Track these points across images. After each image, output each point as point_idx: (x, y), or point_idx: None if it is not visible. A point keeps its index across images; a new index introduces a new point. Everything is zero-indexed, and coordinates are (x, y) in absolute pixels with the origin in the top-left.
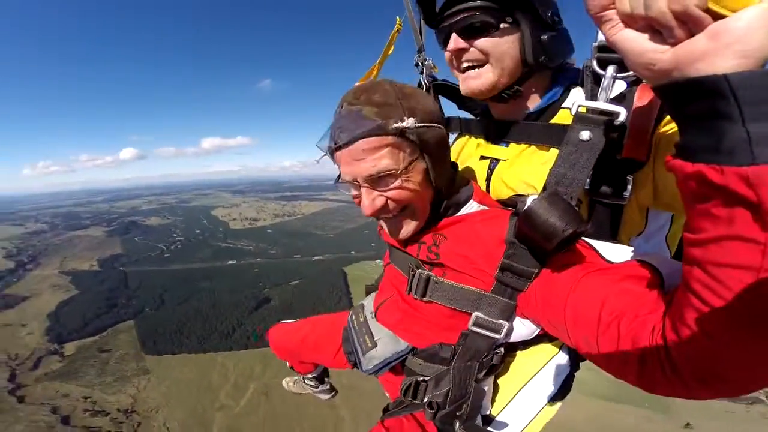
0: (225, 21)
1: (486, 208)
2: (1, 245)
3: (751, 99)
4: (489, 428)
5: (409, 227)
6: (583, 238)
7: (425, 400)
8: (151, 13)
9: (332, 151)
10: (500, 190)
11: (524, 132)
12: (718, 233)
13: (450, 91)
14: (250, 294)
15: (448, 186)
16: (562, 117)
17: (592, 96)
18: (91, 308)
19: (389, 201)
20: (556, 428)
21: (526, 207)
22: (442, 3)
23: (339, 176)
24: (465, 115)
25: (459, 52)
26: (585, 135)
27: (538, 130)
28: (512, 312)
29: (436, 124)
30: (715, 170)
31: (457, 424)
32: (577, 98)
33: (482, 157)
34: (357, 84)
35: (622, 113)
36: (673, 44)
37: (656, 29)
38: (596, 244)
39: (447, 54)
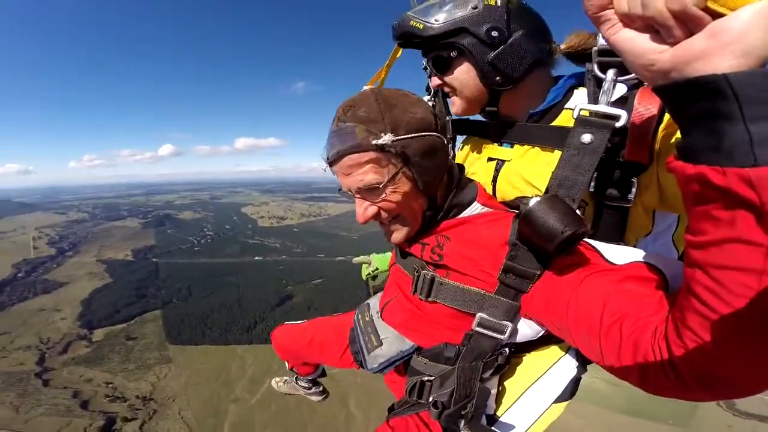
0: (265, 22)
1: (490, 210)
2: (45, 232)
3: (752, 99)
4: (493, 428)
5: (400, 234)
6: (586, 240)
7: (430, 399)
8: (191, 13)
9: (328, 164)
10: (506, 191)
11: (527, 133)
12: (720, 236)
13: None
14: (274, 290)
15: (446, 189)
16: (565, 118)
17: (594, 99)
18: (123, 297)
19: (381, 210)
20: None
21: (526, 209)
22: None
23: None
24: (475, 116)
25: (438, 87)
26: (586, 138)
27: (540, 132)
28: (516, 313)
29: (423, 134)
30: (717, 172)
31: (462, 423)
32: (579, 100)
33: (489, 159)
34: (349, 97)
35: (623, 116)
36: (672, 44)
37: (655, 29)
38: (599, 246)
39: None
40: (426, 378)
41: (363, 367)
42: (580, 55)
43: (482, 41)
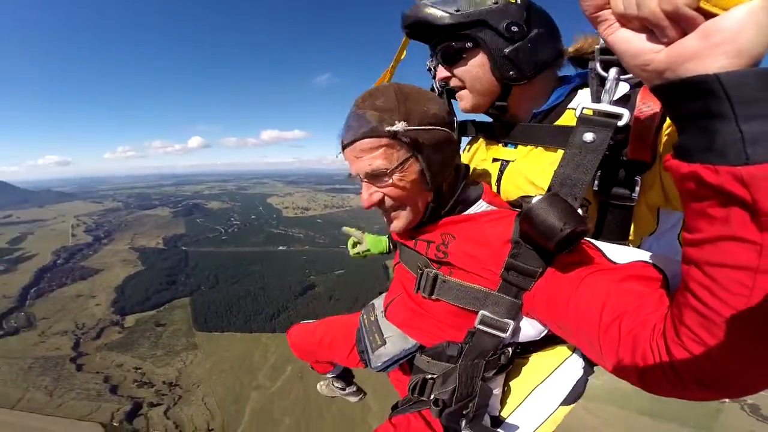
0: (292, 15)
1: (495, 208)
2: (82, 220)
3: (744, 98)
4: (498, 430)
5: (400, 222)
6: (589, 239)
7: (431, 397)
8: (222, 9)
9: (342, 148)
10: (510, 191)
11: (530, 134)
12: (714, 233)
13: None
14: (297, 280)
15: (452, 185)
16: (568, 118)
17: (597, 98)
18: (154, 284)
19: (385, 197)
20: None
21: (527, 207)
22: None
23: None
24: (482, 117)
25: (444, 80)
26: (589, 137)
27: (544, 132)
28: (518, 311)
29: (435, 127)
30: (710, 170)
31: (464, 422)
32: (582, 100)
33: (494, 159)
34: (369, 88)
35: (625, 115)
36: (667, 44)
37: (651, 29)
38: (601, 245)
39: None
40: (429, 376)
41: (368, 366)
42: (582, 59)
43: (501, 35)
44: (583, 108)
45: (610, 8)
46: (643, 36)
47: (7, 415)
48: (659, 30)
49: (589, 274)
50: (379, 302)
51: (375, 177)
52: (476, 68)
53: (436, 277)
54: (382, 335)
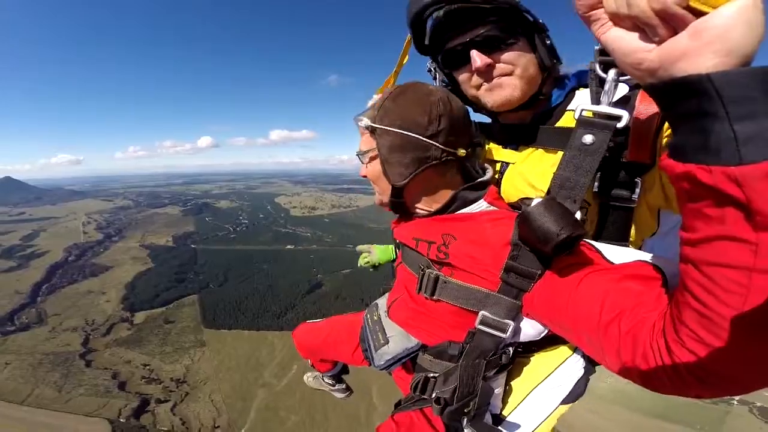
0: (300, 17)
1: (495, 209)
2: (93, 218)
3: (736, 98)
4: (499, 428)
5: (376, 198)
6: (588, 241)
7: (433, 395)
8: (230, 9)
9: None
10: (510, 192)
11: (531, 136)
12: (710, 233)
13: (465, 96)
14: (305, 278)
15: (418, 191)
16: (568, 120)
17: (596, 99)
18: (163, 281)
19: (366, 174)
20: None
21: (524, 211)
22: (439, 25)
23: None
24: (482, 119)
25: (488, 68)
26: (588, 139)
27: (544, 134)
28: (518, 312)
29: (400, 131)
30: (704, 170)
31: (465, 420)
32: (581, 101)
33: (494, 161)
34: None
35: (624, 116)
36: (659, 42)
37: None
38: (600, 246)
39: (464, 75)
40: (431, 375)
41: (371, 365)
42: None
43: (538, 24)
44: (582, 110)
45: (602, 7)
46: (635, 35)
47: (15, 411)
48: (650, 29)
49: (588, 274)
50: (382, 302)
51: (359, 155)
52: (526, 54)
53: (437, 279)
54: (385, 334)
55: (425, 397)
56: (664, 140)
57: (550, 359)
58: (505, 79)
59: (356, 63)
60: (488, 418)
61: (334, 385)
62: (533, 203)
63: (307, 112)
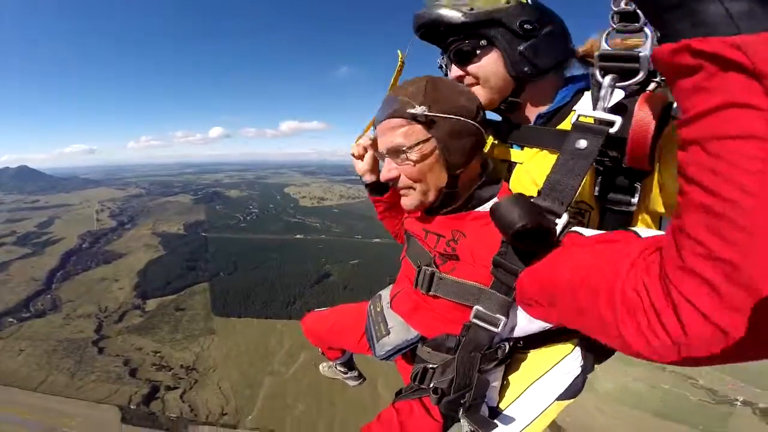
0: (311, 8)
1: None
2: (107, 205)
3: None
4: (495, 421)
5: (409, 200)
6: (575, 229)
7: (431, 385)
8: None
9: (375, 126)
10: (518, 191)
11: (535, 136)
12: (714, 103)
13: None
14: (313, 268)
15: (472, 179)
16: (570, 121)
17: (595, 104)
18: (175, 269)
19: (402, 175)
20: None
21: (493, 205)
22: (431, 40)
23: None
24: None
25: (459, 79)
26: (582, 144)
27: (547, 135)
28: (509, 308)
29: (457, 117)
30: (701, 41)
31: (461, 411)
32: (584, 105)
33: (501, 161)
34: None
35: (617, 122)
36: None
37: None
38: (581, 229)
39: None
40: (429, 366)
41: (373, 354)
42: (590, 61)
43: (514, 33)
44: (578, 115)
45: None
46: None
47: (28, 397)
48: None
49: (564, 251)
50: (386, 293)
51: (395, 153)
52: (490, 65)
53: (432, 275)
54: (387, 325)
55: (424, 386)
56: (663, 148)
57: (548, 356)
58: (475, 89)
59: (367, 54)
60: (485, 410)
61: (346, 373)
62: (502, 198)
63: (318, 104)
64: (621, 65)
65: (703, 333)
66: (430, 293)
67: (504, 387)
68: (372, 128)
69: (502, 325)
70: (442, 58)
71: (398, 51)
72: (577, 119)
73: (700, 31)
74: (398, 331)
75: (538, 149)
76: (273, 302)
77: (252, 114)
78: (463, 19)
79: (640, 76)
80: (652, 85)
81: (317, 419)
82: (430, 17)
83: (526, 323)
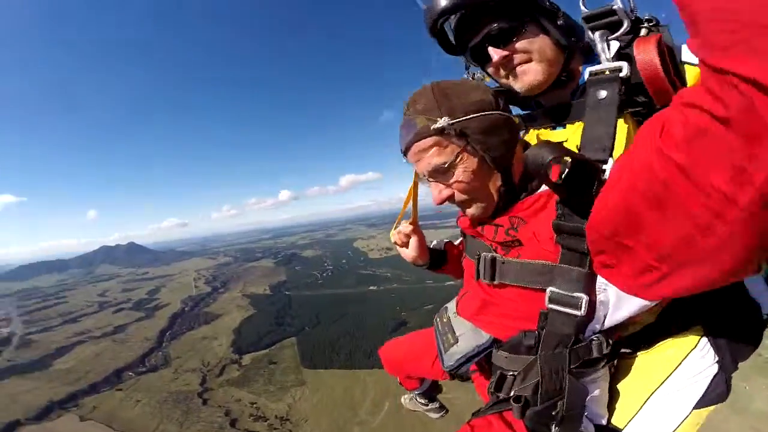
0: (348, 60)
1: None
2: (202, 273)
3: None
4: None
5: (475, 210)
6: None
7: (511, 393)
8: (286, 71)
9: (403, 155)
10: None
11: (575, 111)
12: None
13: (506, 93)
14: (390, 317)
15: (519, 167)
16: None
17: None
18: (265, 325)
19: (455, 192)
20: None
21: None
22: (456, 29)
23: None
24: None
25: (505, 59)
26: (601, 94)
27: (579, 108)
28: (588, 281)
29: (482, 113)
30: None
31: (554, 426)
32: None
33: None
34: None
35: (624, 67)
36: None
37: None
38: None
39: (491, 68)
40: (509, 373)
41: (443, 367)
42: None
43: (547, 8)
44: (589, 72)
45: None
46: None
47: None
48: None
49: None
50: (451, 304)
51: (439, 173)
52: (540, 39)
53: (494, 260)
54: (455, 333)
55: (503, 396)
56: (687, 72)
57: (667, 355)
58: (526, 66)
59: (405, 94)
60: (589, 428)
61: (427, 405)
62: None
63: (370, 153)
64: (606, 20)
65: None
66: (495, 283)
67: (615, 400)
68: (403, 217)
69: (584, 304)
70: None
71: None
72: (588, 76)
73: None
74: (467, 337)
75: (578, 123)
76: (356, 353)
77: (314, 173)
78: None
79: (626, 25)
80: (643, 31)
81: None
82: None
83: (614, 299)
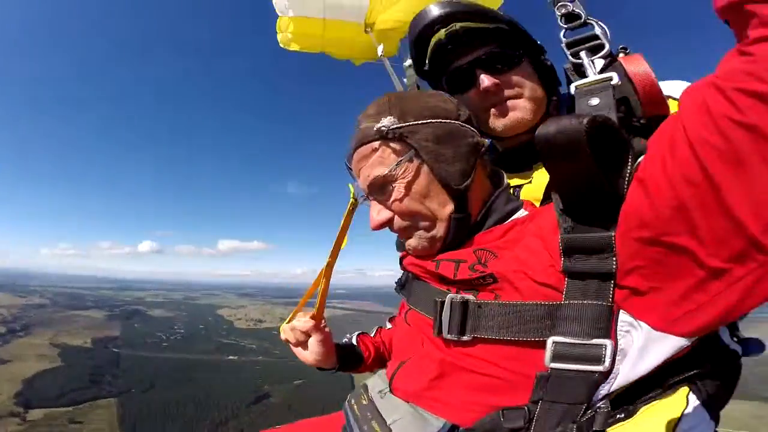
0: (257, 125)
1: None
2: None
3: None
4: None
5: (416, 240)
6: None
7: None
8: (186, 113)
9: (349, 169)
10: None
11: (534, 155)
12: None
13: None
14: (250, 389)
15: (484, 192)
16: None
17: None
18: (73, 381)
19: (395, 216)
20: None
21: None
22: (441, 46)
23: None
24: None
25: (496, 88)
26: (594, 101)
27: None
28: (609, 318)
29: (437, 120)
30: None
31: None
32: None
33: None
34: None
35: (614, 76)
36: None
37: None
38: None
39: (472, 96)
40: None
41: None
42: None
43: (536, 45)
44: (576, 84)
45: None
46: None
47: None
48: None
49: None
50: (375, 381)
51: (378, 188)
52: (531, 76)
53: (465, 304)
54: (384, 422)
55: None
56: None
57: (655, 420)
58: (517, 102)
59: (316, 170)
60: None
61: None
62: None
63: (260, 222)
64: (590, 44)
65: None
66: (465, 338)
67: None
68: (301, 311)
69: (607, 354)
70: (484, 56)
71: (349, 185)
72: (576, 88)
73: None
74: (406, 425)
75: (541, 167)
76: (201, 422)
77: (189, 230)
78: (508, 18)
79: (607, 47)
80: (621, 54)
81: None
82: (473, 8)
83: (641, 343)
